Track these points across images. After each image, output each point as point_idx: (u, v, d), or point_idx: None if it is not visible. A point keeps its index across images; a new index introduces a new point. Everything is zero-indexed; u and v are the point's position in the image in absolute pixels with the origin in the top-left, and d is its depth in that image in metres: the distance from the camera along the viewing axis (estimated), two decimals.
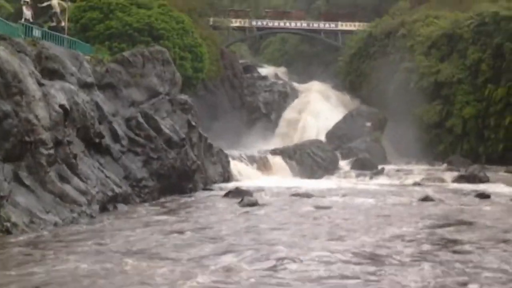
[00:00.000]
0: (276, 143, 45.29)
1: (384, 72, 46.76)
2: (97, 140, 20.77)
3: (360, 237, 15.29)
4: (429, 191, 25.65)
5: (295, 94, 55.53)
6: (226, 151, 30.86)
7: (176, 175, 23.96)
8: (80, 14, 32.92)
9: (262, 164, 32.99)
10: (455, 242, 14.87)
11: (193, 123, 26.34)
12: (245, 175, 30.89)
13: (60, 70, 19.96)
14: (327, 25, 62.33)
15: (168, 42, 33.68)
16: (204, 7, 52.40)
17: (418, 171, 35.11)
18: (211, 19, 56.37)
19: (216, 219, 18.33)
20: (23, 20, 22.66)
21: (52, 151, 17.22)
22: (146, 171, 22.73)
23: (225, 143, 35.64)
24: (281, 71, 66.65)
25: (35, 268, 11.62)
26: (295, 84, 57.75)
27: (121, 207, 20.17)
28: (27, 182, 16.30)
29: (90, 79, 21.87)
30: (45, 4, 26.24)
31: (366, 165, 36.00)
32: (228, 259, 12.58)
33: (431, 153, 41.33)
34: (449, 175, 32.34)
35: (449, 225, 17.49)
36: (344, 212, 19.88)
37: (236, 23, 61.27)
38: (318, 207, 20.86)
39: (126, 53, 25.66)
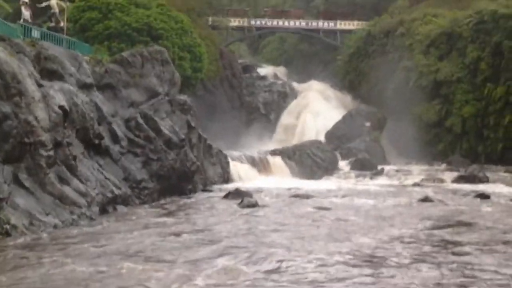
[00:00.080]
0: (275, 143, 45.30)
1: (383, 71, 46.72)
2: (96, 141, 20.74)
3: (359, 239, 15.29)
4: (429, 192, 25.68)
5: (294, 94, 55.47)
6: (225, 152, 30.83)
7: (176, 176, 23.92)
8: (79, 14, 32.84)
9: (261, 165, 32.95)
10: (454, 243, 14.88)
11: (193, 124, 26.30)
12: (244, 176, 30.84)
13: (59, 70, 19.92)
14: (326, 24, 62.30)
15: (167, 42, 33.61)
16: (203, 6, 52.36)
17: (418, 171, 35.12)
18: (210, 19, 56.34)
19: (215, 220, 18.31)
20: (22, 20, 22.61)
21: (51, 153, 17.20)
22: (146, 172, 22.69)
23: (224, 143, 35.61)
24: (280, 70, 66.63)
25: (29, 272, 11.55)
26: (294, 84, 57.69)
27: (121, 208, 20.14)
28: (27, 184, 16.27)
29: (89, 80, 21.84)
30: (44, 4, 26.21)
31: (365, 166, 36.00)
32: (225, 262, 12.56)
33: (430, 152, 41.30)
34: (448, 175, 32.36)
35: (448, 226, 17.50)
36: (343, 213, 19.87)
37: (235, 22, 61.19)
38: (317, 208, 20.87)
39: (125, 53, 25.61)
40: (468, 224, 17.87)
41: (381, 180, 32.01)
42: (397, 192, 26.43)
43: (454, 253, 13.70)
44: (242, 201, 21.66)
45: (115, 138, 22.21)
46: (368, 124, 44.20)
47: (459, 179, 30.72)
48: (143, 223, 17.50)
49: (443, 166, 37.81)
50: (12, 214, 15.16)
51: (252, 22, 62.51)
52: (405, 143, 41.81)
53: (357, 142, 41.31)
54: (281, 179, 31.14)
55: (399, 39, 48.31)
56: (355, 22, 60.34)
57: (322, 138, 43.38)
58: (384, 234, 15.96)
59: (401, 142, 42.29)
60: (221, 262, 12.55)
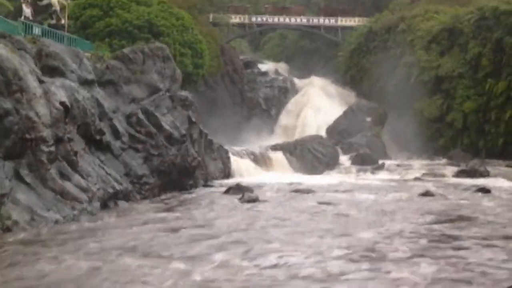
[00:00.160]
0: (276, 138, 45.36)
1: (384, 67, 46.75)
2: (97, 137, 20.80)
3: (359, 233, 15.30)
4: (430, 186, 25.70)
5: (295, 89, 55.53)
6: (227, 147, 30.88)
7: (177, 171, 23.99)
8: (80, 12, 32.89)
9: (262, 160, 33.00)
10: (454, 238, 14.89)
11: (194, 119, 26.35)
12: (245, 171, 30.89)
13: (60, 67, 19.99)
14: (326, 21, 62.25)
15: (168, 38, 33.64)
16: (203, 3, 52.36)
17: (419, 165, 35.18)
18: (211, 16, 56.33)
19: (215, 215, 18.37)
20: (22, 18, 22.66)
21: (52, 148, 17.26)
22: (147, 168, 22.75)
23: (225, 138, 35.67)
24: (281, 66, 66.60)
25: (27, 268, 11.59)
26: (295, 80, 57.72)
27: (122, 204, 20.20)
28: (28, 179, 16.33)
29: (90, 76, 21.89)
30: (44, 2, 26.23)
31: (366, 160, 36.05)
32: (223, 257, 12.56)
33: (431, 148, 41.37)
34: (449, 170, 32.40)
35: (449, 220, 17.52)
36: (344, 208, 19.91)
37: (235, 19, 61.20)
38: (318, 203, 20.92)
39: (126, 50, 25.66)
40: (468, 219, 17.89)
41: (382, 175, 32.04)
42: (398, 187, 26.46)
43: (454, 248, 13.70)
44: (243, 196, 21.70)
45: (116, 134, 22.28)
46: (369, 119, 44.27)
47: (460, 174, 30.76)
48: (144, 219, 17.56)
49: (444, 160, 37.87)
50: (13, 209, 15.23)
51: (253, 19, 62.53)
52: (406, 138, 41.87)
53: (358, 137, 41.36)
54: (282, 174, 31.20)
55: (400, 35, 48.34)
56: (356, 19, 60.32)
57: (323, 133, 43.42)
58: (384, 229, 15.97)
59: (402, 137, 42.34)
60: (219, 257, 12.56)
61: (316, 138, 37.94)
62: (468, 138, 40.33)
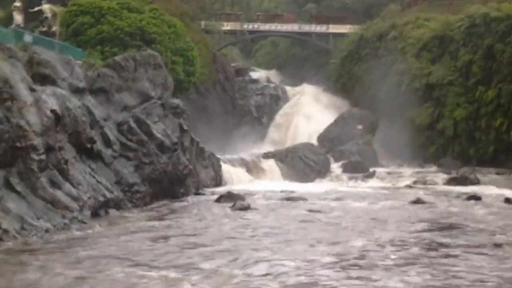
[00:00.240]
0: (267, 146, 45.38)
1: (376, 74, 46.81)
2: (88, 145, 20.76)
3: (350, 242, 15.33)
4: (421, 194, 25.77)
5: (286, 97, 55.60)
6: (218, 155, 30.87)
7: (168, 179, 23.96)
8: (71, 19, 32.82)
9: (254, 168, 33.03)
10: (445, 246, 14.94)
11: (185, 127, 26.33)
12: (237, 179, 30.91)
13: (51, 75, 19.95)
14: (318, 28, 62.35)
15: (160, 46, 33.62)
16: (195, 10, 52.36)
17: (410, 173, 35.28)
18: (203, 23, 56.31)
19: (207, 224, 18.38)
20: (14, 25, 22.66)
21: (43, 157, 17.21)
22: (138, 176, 22.72)
23: (216, 146, 35.68)
24: (273, 74, 66.69)
25: (15, 277, 11.54)
26: (287, 87, 57.79)
27: (113, 212, 20.17)
28: (18, 188, 16.29)
29: (81, 84, 21.86)
30: (36, 9, 26.26)
31: (357, 168, 36.06)
32: (213, 266, 12.57)
33: (422, 155, 41.41)
34: (440, 178, 32.48)
35: (440, 228, 17.58)
36: (335, 216, 19.95)
37: (227, 26, 61.17)
38: (309, 211, 20.96)
39: (118, 58, 25.61)
40: (459, 226, 17.95)
41: (373, 183, 32.12)
42: (389, 194, 26.52)
43: (444, 256, 13.75)
44: (234, 204, 21.71)
45: (107, 142, 22.23)
46: (360, 127, 44.32)
47: (451, 181, 30.87)
48: (134, 227, 17.54)
49: (435, 168, 37.92)
50: (4, 218, 15.17)
51: (245, 26, 62.54)
52: (397, 146, 41.87)
53: (349, 145, 41.44)
54: (273, 182, 31.25)
55: (391, 43, 48.44)
56: (348, 26, 60.40)
57: (314, 141, 43.47)
58: (375, 237, 16.01)
59: (393, 145, 42.35)
60: (209, 266, 12.56)
61: (307, 145, 37.97)
62: (459, 145, 40.38)
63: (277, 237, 16.02)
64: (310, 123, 49.64)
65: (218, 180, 29.67)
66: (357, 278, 11.69)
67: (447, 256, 13.74)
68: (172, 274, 11.87)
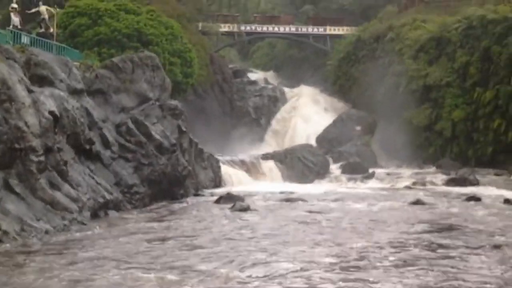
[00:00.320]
0: (266, 147, 45.36)
1: (373, 75, 46.85)
2: (87, 147, 20.68)
3: (349, 243, 15.26)
4: (420, 195, 25.75)
5: (284, 98, 55.60)
6: (217, 156, 30.82)
7: (167, 181, 23.90)
8: (69, 20, 32.81)
9: (253, 169, 33.02)
10: (444, 247, 14.88)
11: (184, 129, 26.29)
12: (236, 180, 30.88)
13: (49, 76, 19.86)
14: (315, 30, 62.39)
15: (157, 47, 33.61)
16: (193, 12, 52.35)
17: (409, 174, 35.28)
18: (200, 24, 56.31)
19: (206, 225, 18.31)
20: (11, 26, 22.54)
21: (42, 158, 17.14)
22: (137, 177, 22.66)
23: (215, 147, 35.65)
24: (270, 75, 66.71)
25: (13, 279, 11.45)
26: (285, 89, 57.81)
27: (112, 213, 20.11)
28: (18, 189, 16.22)
29: (79, 85, 21.78)
30: (33, 10, 26.12)
31: (356, 169, 36.07)
32: (212, 267, 12.49)
33: (420, 156, 41.42)
34: (439, 178, 32.50)
35: (439, 229, 17.54)
36: (334, 217, 19.90)
37: (225, 28, 61.20)
38: (309, 212, 20.93)
39: (115, 59, 25.57)
40: (458, 227, 17.91)
41: (372, 184, 32.12)
42: (388, 195, 26.50)
43: (443, 257, 13.68)
44: (234, 205, 21.65)
45: (106, 143, 22.17)
46: (358, 128, 44.38)
47: (450, 182, 30.88)
48: (133, 229, 17.46)
49: (434, 169, 37.95)
50: (3, 220, 15.08)
51: (242, 28, 62.54)
52: (396, 147, 41.92)
53: (348, 146, 41.48)
54: (272, 183, 31.28)
55: (389, 44, 48.47)
56: (345, 28, 60.48)
57: (312, 142, 43.46)
58: (373, 238, 15.95)
59: (391, 146, 42.39)
60: (208, 267, 12.48)
61: (306, 147, 37.98)
62: (457, 146, 40.40)
63: (276, 238, 15.95)
64: (308, 125, 49.66)
65: (217, 181, 29.63)
66: (356, 279, 11.62)
67: (447, 257, 13.68)
68: (170, 276, 11.79)
